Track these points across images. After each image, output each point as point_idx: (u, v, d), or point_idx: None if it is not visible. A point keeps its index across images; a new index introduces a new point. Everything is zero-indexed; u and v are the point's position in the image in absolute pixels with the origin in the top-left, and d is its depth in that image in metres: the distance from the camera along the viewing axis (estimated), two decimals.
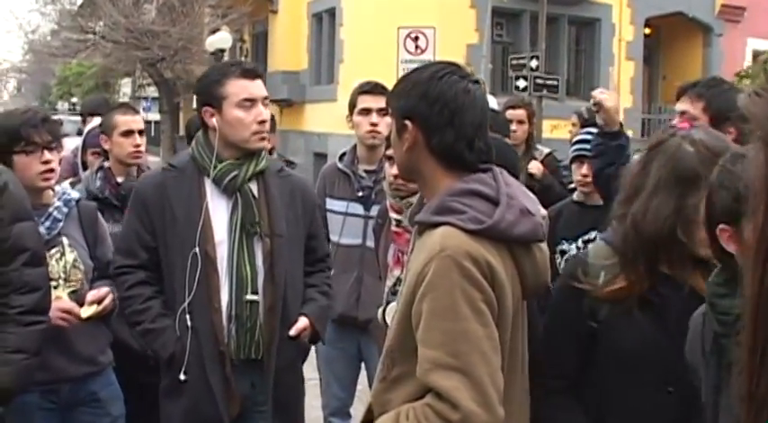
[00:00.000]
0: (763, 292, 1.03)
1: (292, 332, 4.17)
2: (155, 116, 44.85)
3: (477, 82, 2.86)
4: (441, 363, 2.52)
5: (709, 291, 2.35)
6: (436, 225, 2.67)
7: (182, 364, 4.02)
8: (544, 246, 2.90)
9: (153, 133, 49.72)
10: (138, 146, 5.39)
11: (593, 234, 5.18)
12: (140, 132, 5.42)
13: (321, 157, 24.37)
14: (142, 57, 27.39)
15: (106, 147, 5.40)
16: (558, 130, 19.18)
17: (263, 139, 4.15)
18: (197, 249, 4.00)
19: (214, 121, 4.13)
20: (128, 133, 5.36)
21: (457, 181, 2.75)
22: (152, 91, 39.09)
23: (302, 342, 4.32)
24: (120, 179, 5.33)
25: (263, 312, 4.10)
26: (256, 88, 4.13)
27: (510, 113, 7.22)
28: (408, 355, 2.65)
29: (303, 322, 4.23)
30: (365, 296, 5.27)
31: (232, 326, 4.06)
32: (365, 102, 5.49)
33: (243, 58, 31.41)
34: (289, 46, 27.51)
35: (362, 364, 5.68)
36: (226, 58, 27.77)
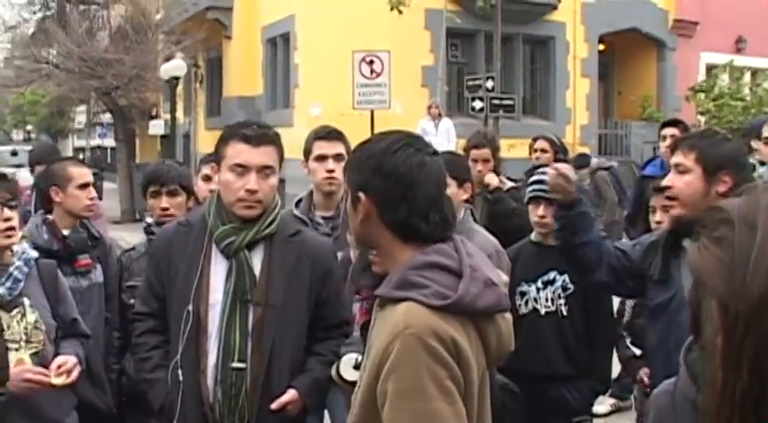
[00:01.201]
0: None
1: (274, 406, 4.06)
2: (110, 142, 44.62)
3: (435, 153, 2.83)
4: None
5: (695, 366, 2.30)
6: (398, 299, 2.62)
7: (171, 416, 4.04)
8: (508, 314, 2.86)
9: (109, 159, 49.54)
10: (93, 198, 5.39)
11: (552, 274, 5.18)
12: (94, 185, 5.44)
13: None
14: (96, 85, 27.08)
15: (57, 199, 5.31)
16: (515, 149, 19.19)
17: (249, 208, 4.04)
18: (190, 307, 4.00)
19: (216, 178, 4.19)
20: (84, 186, 5.33)
21: (416, 252, 2.70)
22: (107, 117, 38.87)
23: (288, 416, 4.16)
24: (65, 232, 5.28)
25: (249, 382, 4.03)
26: (254, 155, 4.01)
27: (474, 153, 7.14)
28: None
29: (289, 395, 4.11)
30: None
31: (218, 389, 4.01)
32: (321, 148, 5.42)
33: (197, 84, 31.34)
34: (243, 71, 27.48)
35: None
36: (180, 84, 27.65)
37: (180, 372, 4.00)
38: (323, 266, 4.31)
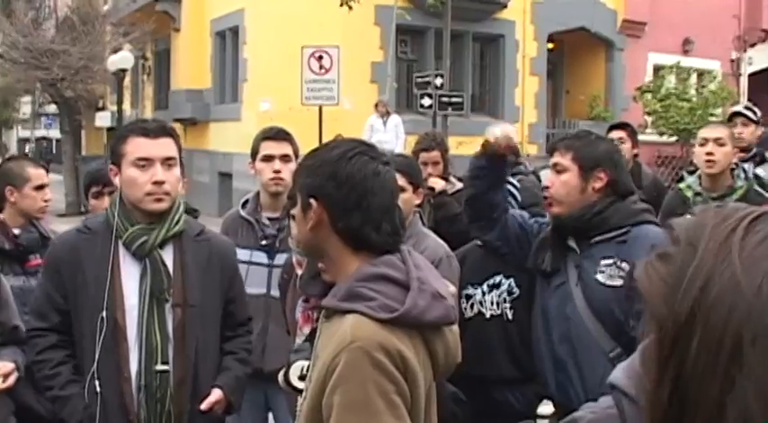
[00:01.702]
0: None
1: (203, 406, 4.06)
2: (56, 133, 44.15)
3: (387, 163, 2.80)
4: None
5: None
6: (345, 311, 2.59)
7: None
8: (455, 326, 2.85)
9: (54, 151, 49.01)
10: (48, 200, 5.34)
11: (498, 278, 5.17)
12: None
13: (226, 176, 24.18)
14: (42, 76, 26.80)
15: (12, 199, 5.22)
16: (463, 146, 19.24)
17: (158, 200, 4.01)
18: (104, 313, 3.89)
19: (117, 181, 4.05)
20: (40, 187, 5.27)
21: (364, 263, 2.68)
22: (53, 108, 38.48)
23: (215, 415, 4.18)
24: (16, 231, 5.18)
25: (174, 384, 3.98)
26: (155, 147, 4.00)
27: (424, 156, 7.11)
28: None
29: (215, 395, 4.12)
30: (271, 346, 5.16)
31: (142, 396, 3.93)
32: (268, 148, 5.37)
33: (145, 76, 31.16)
34: (192, 64, 27.28)
35: (270, 415, 5.59)
36: (128, 76, 27.43)
37: (97, 383, 3.89)
38: (230, 265, 4.38)
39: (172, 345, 3.99)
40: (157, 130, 4.06)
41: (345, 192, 2.68)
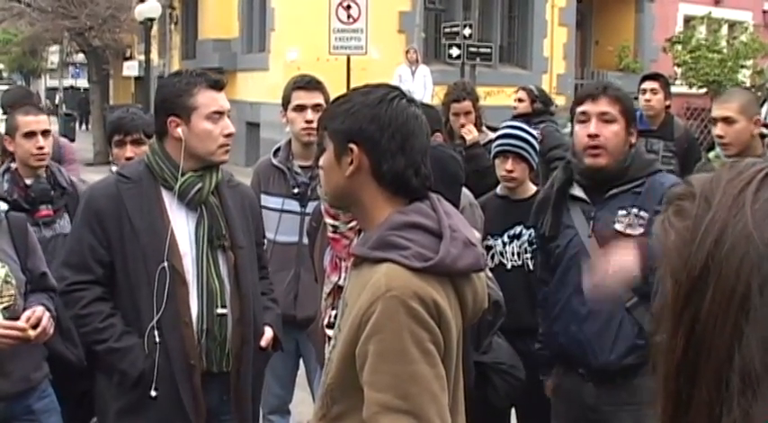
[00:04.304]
0: None
1: (263, 343, 4.23)
2: (83, 83, 44.24)
3: (419, 106, 2.81)
4: (391, 406, 2.47)
5: None
6: (377, 260, 2.60)
7: (151, 380, 3.91)
8: (482, 273, 2.85)
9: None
10: (41, 148, 5.13)
11: (518, 229, 5.19)
12: (44, 133, 5.18)
13: (254, 126, 24.17)
14: (69, 25, 26.86)
15: (10, 148, 5.18)
16: (491, 97, 19.17)
17: (227, 152, 4.12)
18: (165, 263, 3.92)
19: (179, 132, 4.01)
20: (30, 135, 5.11)
21: (395, 212, 2.67)
22: (80, 57, 38.55)
23: (268, 352, 4.36)
24: (28, 181, 5.13)
25: (232, 325, 4.07)
26: (224, 101, 4.10)
27: (456, 107, 7.13)
28: (349, 393, 2.61)
29: (270, 332, 4.30)
30: (303, 294, 5.23)
31: (203, 340, 4.01)
32: (300, 98, 5.38)
33: (173, 26, 31.12)
34: (219, 13, 27.17)
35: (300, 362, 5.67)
36: (155, 26, 27.39)
37: (156, 332, 3.91)
38: (256, 209, 4.56)
39: (227, 288, 4.08)
40: (221, 83, 4.15)
41: (390, 135, 2.67)
